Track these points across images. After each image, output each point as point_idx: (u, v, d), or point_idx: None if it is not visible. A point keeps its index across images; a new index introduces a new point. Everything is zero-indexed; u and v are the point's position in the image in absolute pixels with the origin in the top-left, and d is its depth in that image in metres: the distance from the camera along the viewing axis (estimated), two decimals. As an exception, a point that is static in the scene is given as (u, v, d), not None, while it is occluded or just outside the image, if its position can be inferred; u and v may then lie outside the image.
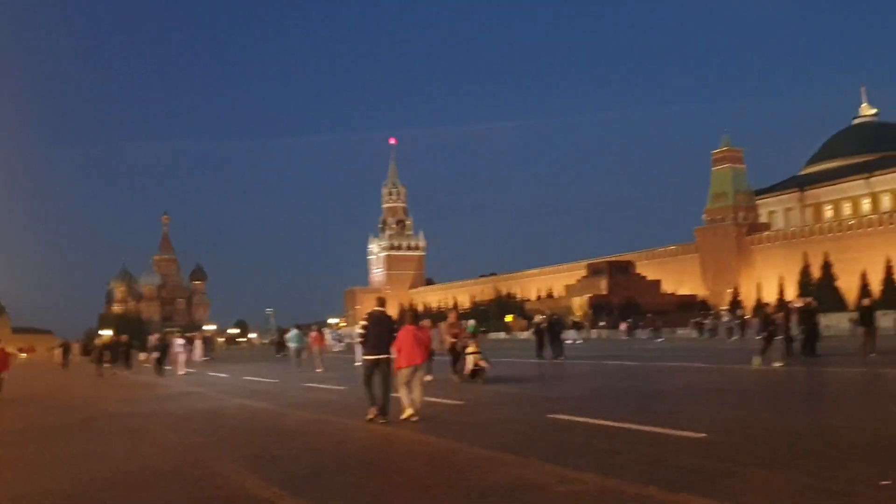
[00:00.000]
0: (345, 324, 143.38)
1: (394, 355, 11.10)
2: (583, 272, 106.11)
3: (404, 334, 11.05)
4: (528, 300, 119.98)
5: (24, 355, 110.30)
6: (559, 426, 9.91)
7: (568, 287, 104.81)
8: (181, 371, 28.65)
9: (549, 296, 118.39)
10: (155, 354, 30.64)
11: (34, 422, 13.96)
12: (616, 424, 9.57)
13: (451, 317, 20.01)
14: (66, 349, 43.71)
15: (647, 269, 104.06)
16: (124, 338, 42.06)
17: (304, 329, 33.35)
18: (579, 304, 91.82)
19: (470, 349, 17.73)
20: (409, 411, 10.79)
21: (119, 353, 37.43)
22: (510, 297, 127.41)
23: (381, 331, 11.09)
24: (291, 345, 30.98)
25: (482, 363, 17.36)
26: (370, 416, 10.89)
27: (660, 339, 52.84)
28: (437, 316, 79.44)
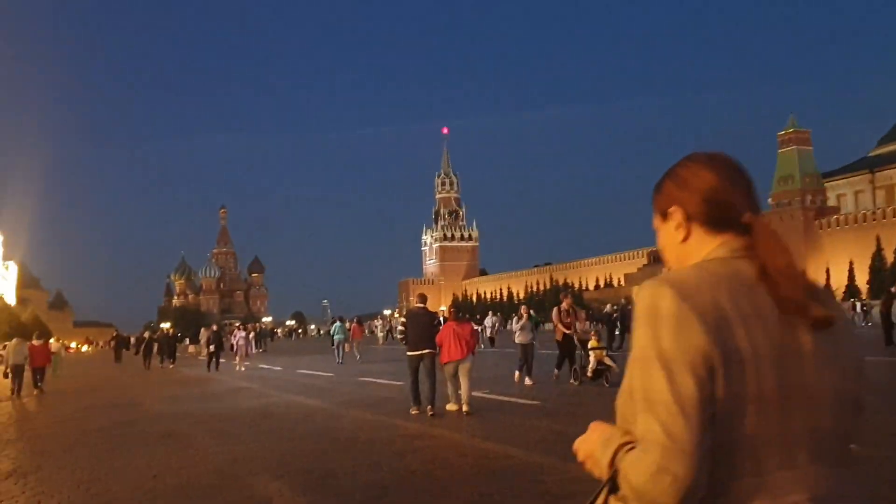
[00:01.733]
0: (397, 315, 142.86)
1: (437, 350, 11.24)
2: (643, 260, 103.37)
3: (445, 330, 11.25)
4: (586, 290, 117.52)
5: (85, 348, 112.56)
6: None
7: (628, 276, 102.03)
8: (241, 365, 26.84)
9: (608, 285, 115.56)
10: (210, 348, 28.82)
11: (68, 424, 12.86)
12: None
13: (566, 302, 15.32)
14: (119, 342, 43.06)
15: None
16: (171, 331, 41.38)
17: (364, 319, 32.52)
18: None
19: (592, 343, 14.43)
20: (453, 405, 11.17)
21: (166, 346, 36.70)
22: (567, 286, 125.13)
23: (421, 327, 11.39)
24: (335, 337, 30.43)
25: (608, 361, 14.03)
26: (413, 411, 11.10)
27: None
28: (493, 306, 77.89)
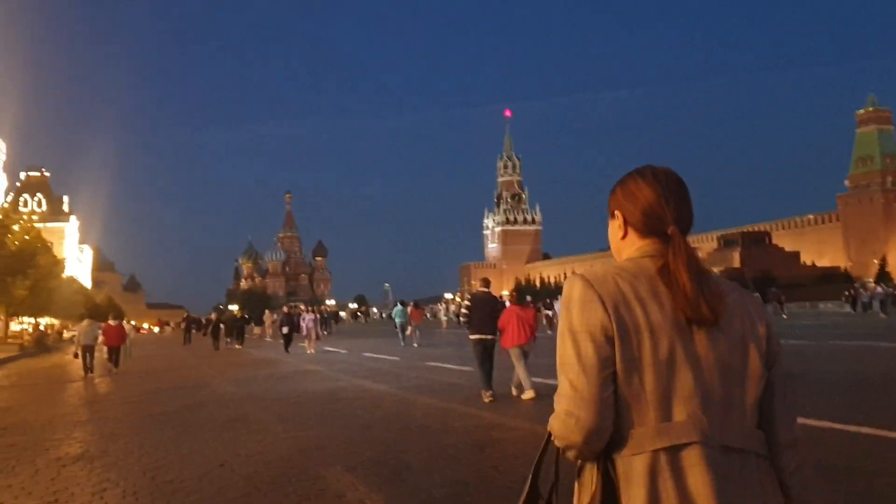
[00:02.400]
0: (460, 299, 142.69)
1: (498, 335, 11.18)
2: (713, 244, 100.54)
3: (508, 314, 11.03)
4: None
5: (157, 330, 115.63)
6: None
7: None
8: (312, 348, 26.42)
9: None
10: (283, 330, 28.55)
11: (136, 406, 12.74)
12: (842, 427, 7.14)
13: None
14: (189, 324, 43.67)
15: (784, 240, 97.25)
16: (238, 312, 41.76)
17: (424, 303, 32.27)
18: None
19: None
20: (530, 393, 10.68)
21: (234, 328, 37.11)
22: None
23: (484, 311, 11.22)
24: (396, 320, 30.33)
25: None
26: (487, 399, 10.75)
27: (784, 316, 48.09)
28: (557, 291, 76.82)
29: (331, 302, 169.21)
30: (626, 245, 1.67)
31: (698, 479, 1.44)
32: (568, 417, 1.49)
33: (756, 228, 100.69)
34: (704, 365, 1.50)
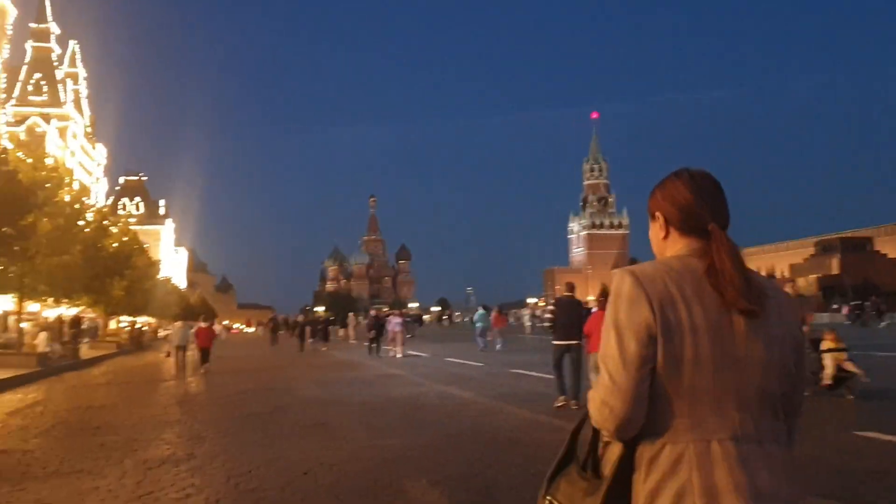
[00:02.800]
0: (544, 304, 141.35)
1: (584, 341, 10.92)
2: (811, 250, 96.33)
3: (595, 319, 10.66)
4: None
5: (250, 329, 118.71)
6: None
7: (793, 266, 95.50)
8: (398, 352, 25.86)
9: (771, 276, 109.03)
10: (371, 333, 27.73)
11: (224, 408, 12.84)
12: None
13: (791, 287, 11.64)
14: (276, 325, 44.41)
15: (887, 246, 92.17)
16: (324, 314, 42.22)
17: (507, 308, 31.78)
18: (806, 285, 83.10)
19: (827, 343, 11.36)
20: None
21: (319, 329, 37.57)
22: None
23: (570, 316, 10.99)
24: (476, 325, 29.82)
25: (850, 367, 11.12)
26: (558, 403, 10.65)
27: (883, 324, 45.21)
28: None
29: (413, 305, 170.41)
30: (668, 245, 1.77)
31: (722, 472, 1.56)
32: (603, 406, 1.63)
33: (857, 234, 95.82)
34: (743, 365, 1.61)
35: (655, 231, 1.80)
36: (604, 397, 1.62)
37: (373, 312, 30.85)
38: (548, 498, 1.78)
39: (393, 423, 10.15)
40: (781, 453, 1.64)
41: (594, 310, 13.38)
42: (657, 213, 1.78)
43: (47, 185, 20.60)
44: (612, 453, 1.67)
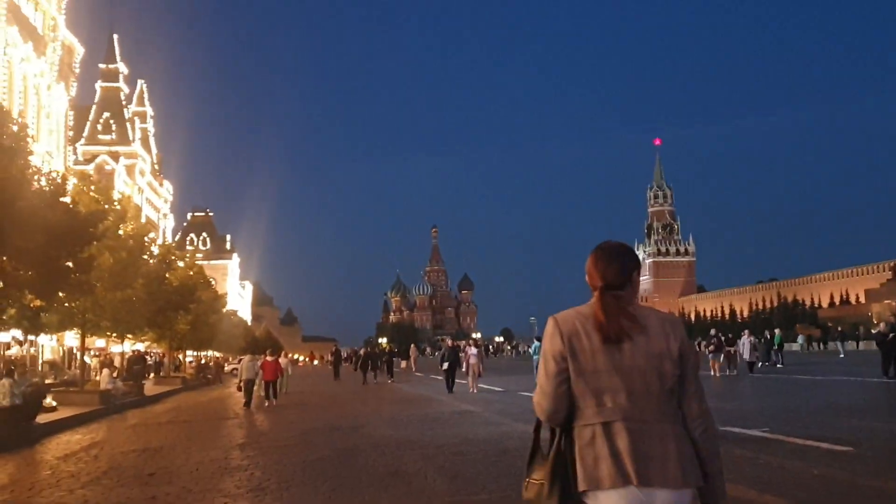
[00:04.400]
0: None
1: None
2: (888, 274, 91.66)
3: None
4: (819, 307, 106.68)
5: (316, 362, 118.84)
6: None
7: (869, 291, 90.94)
8: (473, 387, 23.94)
9: (845, 302, 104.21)
10: (444, 365, 25.20)
11: (289, 452, 11.73)
12: None
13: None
14: (338, 358, 43.48)
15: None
16: (388, 346, 41.19)
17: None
18: (881, 311, 78.62)
19: None
20: None
21: (384, 361, 36.56)
22: (797, 304, 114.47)
23: None
24: (534, 357, 28.17)
25: None
26: None
27: None
28: (714, 324, 72.05)
29: (477, 335, 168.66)
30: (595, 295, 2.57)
31: (621, 441, 2.34)
32: (537, 405, 2.52)
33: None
34: (627, 370, 2.40)
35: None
36: (537, 398, 2.53)
37: (448, 342, 29.20)
38: (526, 479, 2.54)
39: (478, 472, 8.90)
40: (672, 429, 2.41)
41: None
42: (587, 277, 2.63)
43: (109, 219, 20.19)
44: (554, 437, 2.51)
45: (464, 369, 25.25)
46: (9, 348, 31.40)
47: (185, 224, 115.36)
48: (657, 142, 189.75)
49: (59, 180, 16.57)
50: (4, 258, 14.90)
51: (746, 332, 30.81)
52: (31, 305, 17.58)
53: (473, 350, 25.91)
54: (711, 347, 28.04)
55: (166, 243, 40.29)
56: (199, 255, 63.19)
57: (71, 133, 52.76)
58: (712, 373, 26.61)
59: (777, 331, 35.73)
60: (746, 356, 28.54)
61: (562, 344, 2.42)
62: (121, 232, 23.38)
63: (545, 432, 2.55)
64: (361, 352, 41.79)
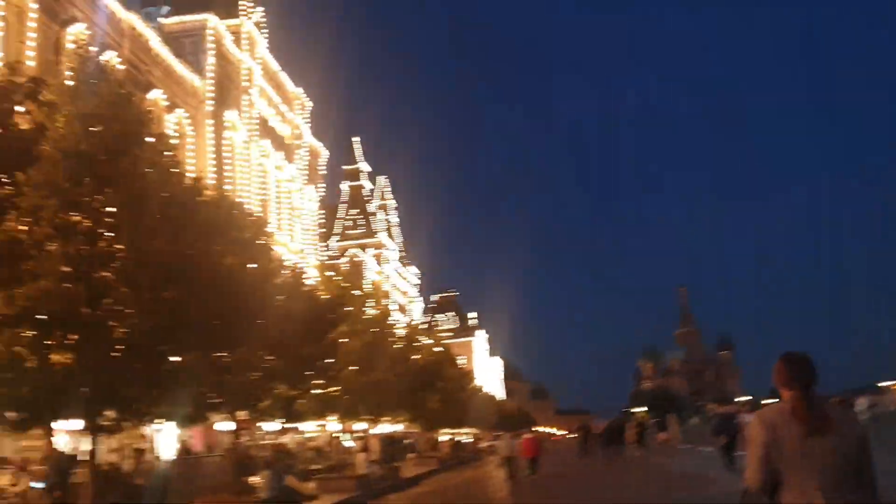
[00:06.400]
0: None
1: None
2: None
3: None
4: None
5: (572, 435, 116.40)
6: None
7: None
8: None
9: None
10: (721, 438, 20.88)
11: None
12: None
13: None
14: (587, 432, 41.08)
15: None
16: (644, 416, 38.26)
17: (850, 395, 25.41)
18: None
19: None
20: None
21: (624, 435, 34.22)
22: None
23: None
24: None
25: None
26: None
27: None
28: None
29: (744, 398, 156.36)
30: (782, 395, 3.62)
31: None
32: (747, 478, 3.55)
33: None
34: (821, 457, 3.37)
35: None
36: (747, 472, 3.56)
37: (720, 410, 25.66)
38: None
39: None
40: (857, 499, 3.35)
41: None
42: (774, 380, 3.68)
43: (350, 306, 20.60)
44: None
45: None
46: (278, 437, 33.10)
47: (431, 305, 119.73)
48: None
49: (300, 271, 17.06)
50: (258, 350, 15.32)
51: None
52: (286, 395, 18.03)
53: (748, 418, 21.95)
54: None
55: (412, 324, 41.20)
56: (445, 334, 64.54)
57: (323, 230, 56.88)
58: None
59: None
60: None
61: (765, 434, 3.50)
62: (367, 316, 23.88)
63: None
64: (602, 426, 39.52)
